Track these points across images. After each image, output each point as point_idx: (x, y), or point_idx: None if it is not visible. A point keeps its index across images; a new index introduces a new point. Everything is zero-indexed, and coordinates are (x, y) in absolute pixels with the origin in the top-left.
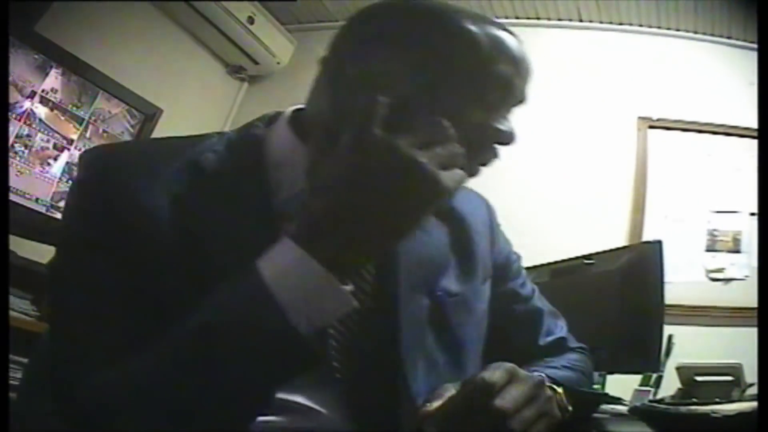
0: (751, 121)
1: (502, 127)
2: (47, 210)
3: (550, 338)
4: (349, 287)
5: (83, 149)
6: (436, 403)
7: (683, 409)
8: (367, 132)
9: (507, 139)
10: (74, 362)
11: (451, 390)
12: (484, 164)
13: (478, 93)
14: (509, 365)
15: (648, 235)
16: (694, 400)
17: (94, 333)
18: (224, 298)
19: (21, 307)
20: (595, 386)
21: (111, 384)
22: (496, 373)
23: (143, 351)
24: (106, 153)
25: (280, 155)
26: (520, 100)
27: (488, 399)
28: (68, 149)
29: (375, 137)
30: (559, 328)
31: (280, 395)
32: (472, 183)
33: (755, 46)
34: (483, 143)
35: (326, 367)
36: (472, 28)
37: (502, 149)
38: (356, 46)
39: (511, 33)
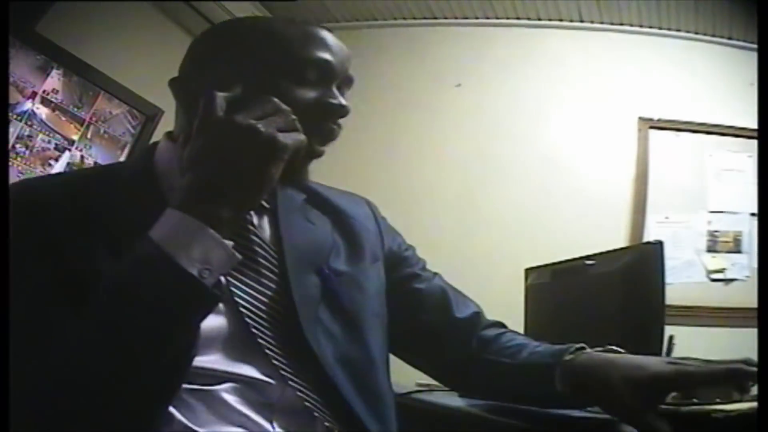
0: (752, 121)
1: (331, 101)
2: None
3: (467, 312)
4: (230, 243)
5: (84, 149)
6: None
7: (683, 409)
8: (209, 115)
9: (338, 111)
10: (19, 355)
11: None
12: (329, 138)
13: (297, 75)
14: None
15: (649, 236)
16: (695, 400)
17: (31, 326)
18: (123, 263)
19: None
20: None
21: (46, 364)
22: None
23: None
24: (24, 182)
25: (165, 164)
26: (346, 78)
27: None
28: (69, 150)
29: (216, 118)
30: (471, 305)
31: (233, 369)
32: (475, 187)
33: (756, 46)
34: (319, 119)
35: (255, 343)
36: (280, 28)
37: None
38: (194, 65)
39: (324, 29)
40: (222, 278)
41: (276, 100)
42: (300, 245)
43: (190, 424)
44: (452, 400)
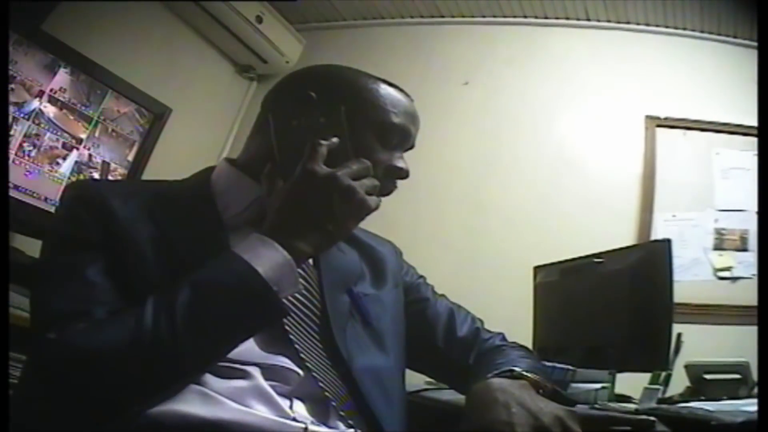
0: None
1: (401, 165)
2: None
3: (467, 330)
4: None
5: (92, 148)
6: None
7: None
8: (312, 166)
9: (404, 174)
10: (66, 314)
11: None
12: (386, 194)
13: (384, 138)
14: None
15: (656, 234)
16: (702, 398)
17: (81, 293)
18: (213, 272)
19: (28, 306)
20: (605, 384)
21: (107, 330)
22: None
23: (119, 311)
24: (92, 181)
25: (223, 185)
26: (412, 145)
27: None
28: (77, 148)
29: (320, 170)
30: (471, 320)
31: (272, 361)
32: (482, 185)
33: None
34: (386, 178)
35: (286, 339)
36: (376, 88)
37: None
38: (295, 104)
39: (402, 90)
40: None
41: (369, 164)
42: (334, 267)
43: (209, 391)
44: (460, 397)
